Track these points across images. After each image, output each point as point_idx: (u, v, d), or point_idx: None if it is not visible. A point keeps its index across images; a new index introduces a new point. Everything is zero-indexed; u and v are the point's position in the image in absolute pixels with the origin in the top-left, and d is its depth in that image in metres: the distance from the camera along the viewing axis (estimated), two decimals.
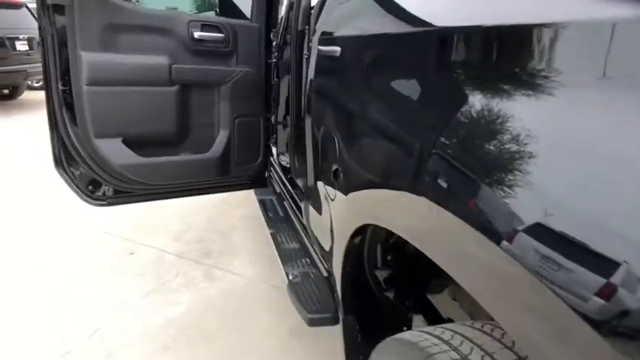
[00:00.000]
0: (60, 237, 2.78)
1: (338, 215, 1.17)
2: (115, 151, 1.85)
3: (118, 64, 1.81)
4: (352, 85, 1.12)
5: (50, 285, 2.26)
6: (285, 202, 2.41)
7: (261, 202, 2.55)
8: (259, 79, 2.17)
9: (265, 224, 2.20)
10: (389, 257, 1.16)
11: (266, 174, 2.42)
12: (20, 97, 7.64)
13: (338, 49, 1.17)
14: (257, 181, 2.39)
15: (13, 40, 6.30)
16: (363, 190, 0.95)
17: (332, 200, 1.20)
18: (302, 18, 2.24)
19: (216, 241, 2.77)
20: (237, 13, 2.76)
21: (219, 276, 2.39)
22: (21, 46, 6.41)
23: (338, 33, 1.26)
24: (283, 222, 2.23)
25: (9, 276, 2.33)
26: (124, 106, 1.84)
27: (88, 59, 1.73)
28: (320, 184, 1.34)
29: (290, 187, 2.24)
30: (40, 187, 3.42)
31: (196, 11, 3.22)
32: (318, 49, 1.36)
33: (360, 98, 1.02)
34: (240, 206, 3.22)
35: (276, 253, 1.83)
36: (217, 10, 2.94)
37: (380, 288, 1.18)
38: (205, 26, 1.99)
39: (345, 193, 1.06)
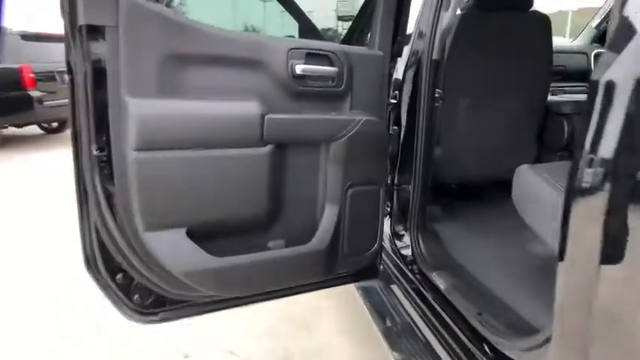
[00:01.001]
0: (97, 337, 2.12)
1: None
2: (176, 251, 1.17)
3: (184, 117, 1.15)
4: None
5: None
6: (405, 297, 1.67)
7: (364, 292, 1.82)
8: (382, 130, 1.47)
9: (370, 318, 1.59)
10: None
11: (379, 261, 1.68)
12: (67, 130, 7.43)
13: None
14: (367, 273, 1.65)
15: (62, 73, 6.06)
16: None
17: None
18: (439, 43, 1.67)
19: (295, 335, 2.03)
20: (318, 36, 2.10)
21: None
22: None
23: None
24: (414, 339, 1.47)
25: None
26: (192, 181, 1.17)
27: (139, 110, 1.07)
28: None
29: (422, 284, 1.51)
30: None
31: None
32: None
33: None
34: None
35: None
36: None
37: None
38: (311, 56, 1.31)
39: None
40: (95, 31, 1.05)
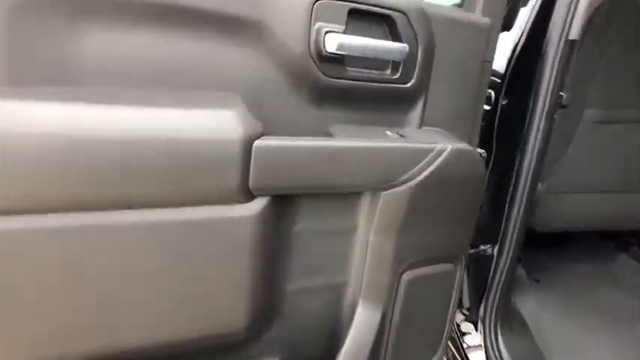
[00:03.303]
0: None
1: None
2: None
3: (45, 138, 0.50)
4: None
5: None
6: None
7: None
8: (477, 168, 0.79)
9: None
10: None
11: None
12: None
13: None
14: None
15: None
16: None
17: None
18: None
19: None
20: None
21: None
22: None
23: None
24: None
25: None
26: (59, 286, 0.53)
27: None
28: None
29: None
30: None
31: None
32: None
33: None
34: None
35: None
36: None
37: None
38: (357, 17, 0.68)
39: None
40: None
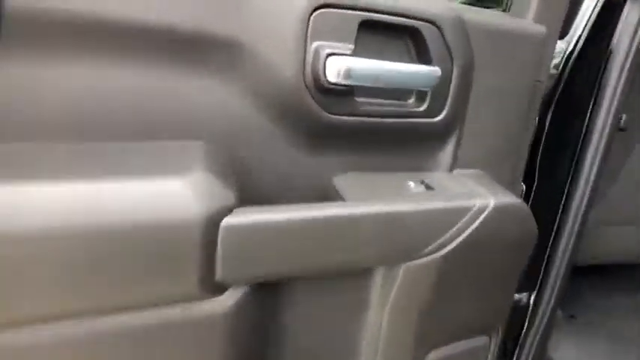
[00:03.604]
0: None
1: None
2: None
3: None
4: None
5: None
6: None
7: None
8: (529, 228, 0.59)
9: None
10: None
11: None
12: None
13: None
14: None
15: None
16: None
17: None
18: None
19: None
20: None
21: None
22: None
23: None
24: None
25: None
26: None
27: None
28: None
29: None
30: None
31: None
32: None
33: None
34: None
35: None
36: None
37: None
38: (371, 30, 0.46)
39: None
40: None
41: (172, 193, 0.40)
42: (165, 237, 0.40)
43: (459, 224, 0.54)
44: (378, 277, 0.56)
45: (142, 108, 0.45)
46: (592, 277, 1.45)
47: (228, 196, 0.43)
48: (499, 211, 0.57)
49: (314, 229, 0.46)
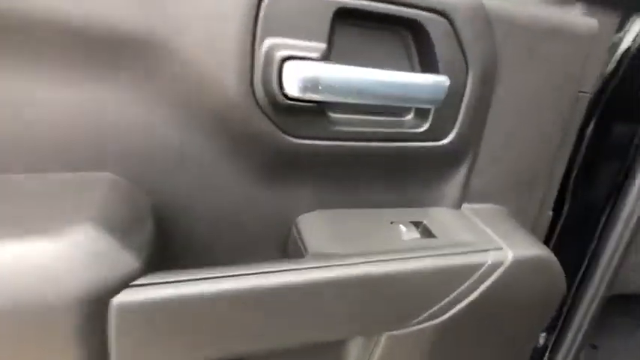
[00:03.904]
0: None
1: None
2: None
3: None
4: None
5: None
6: None
7: None
8: (557, 279, 0.44)
9: None
10: None
11: None
12: None
13: None
14: None
15: None
16: None
17: None
18: None
19: None
20: None
21: None
22: None
23: None
24: None
25: None
26: None
27: None
28: None
29: None
30: None
31: None
32: None
33: None
34: None
35: None
36: None
37: None
38: (355, 17, 0.28)
39: None
40: None
41: (43, 265, 0.28)
42: (36, 321, 0.28)
43: (464, 286, 0.41)
44: (355, 347, 0.44)
45: (30, 128, 0.33)
46: (613, 303, 1.30)
47: (127, 262, 0.30)
48: (518, 266, 0.43)
49: (249, 302, 0.33)
